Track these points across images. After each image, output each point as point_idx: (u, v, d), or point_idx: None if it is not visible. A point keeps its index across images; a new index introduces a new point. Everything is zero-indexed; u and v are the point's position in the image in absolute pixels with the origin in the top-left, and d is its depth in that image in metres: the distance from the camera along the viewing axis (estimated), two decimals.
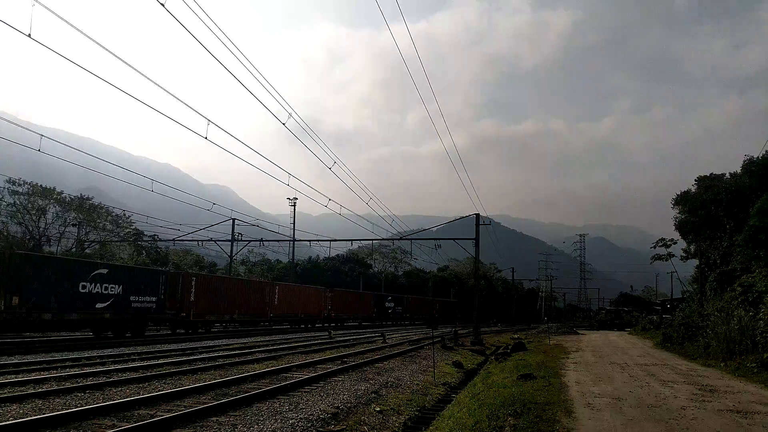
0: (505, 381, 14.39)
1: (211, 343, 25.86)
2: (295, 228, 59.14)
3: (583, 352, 24.98)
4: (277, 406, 10.56)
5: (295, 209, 59.63)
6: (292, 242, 59.82)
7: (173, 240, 50.83)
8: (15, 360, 16.32)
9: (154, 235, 57.43)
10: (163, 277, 29.85)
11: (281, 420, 9.38)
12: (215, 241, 50.38)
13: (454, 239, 39.30)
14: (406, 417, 11.58)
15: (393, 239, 53.10)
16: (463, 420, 9.97)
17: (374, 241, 64.33)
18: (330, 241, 49.80)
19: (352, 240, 48.63)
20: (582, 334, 50.92)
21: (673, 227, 45.11)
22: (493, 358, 24.33)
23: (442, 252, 53.34)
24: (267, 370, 15.17)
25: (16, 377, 12.77)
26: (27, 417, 8.38)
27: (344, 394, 12.42)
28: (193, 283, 31.92)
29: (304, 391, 12.40)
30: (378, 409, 11.63)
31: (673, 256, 49.93)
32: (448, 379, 17.67)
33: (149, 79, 16.02)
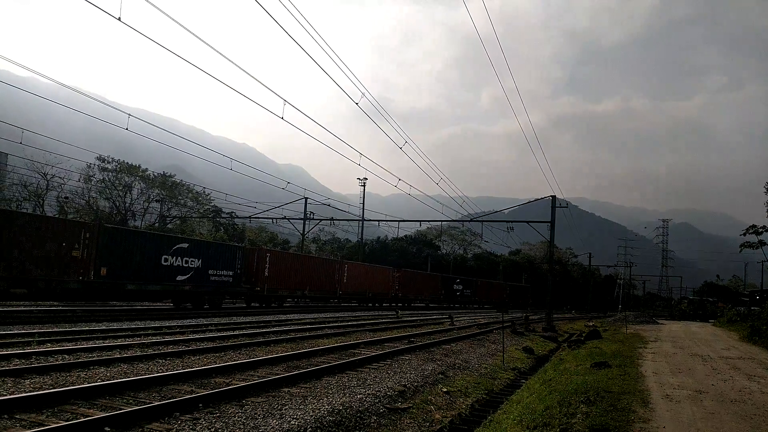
0: (578, 368, 13.92)
1: (283, 317, 26.63)
2: (365, 208, 59.75)
3: (662, 342, 23.82)
4: (346, 380, 10.69)
5: (364, 189, 60.18)
6: (361, 222, 60.49)
7: (249, 217, 52.59)
8: (103, 327, 17.44)
9: (232, 212, 59.65)
10: (240, 252, 30.91)
11: (349, 394, 9.48)
12: (288, 219, 51.67)
13: (527, 222, 38.25)
14: (474, 399, 11.44)
15: (463, 221, 52.53)
16: (532, 405, 9.72)
17: (443, 223, 63.95)
18: (399, 221, 49.91)
19: (420, 221, 48.50)
20: (662, 324, 48.63)
21: (766, 213, 41.86)
22: (565, 345, 23.67)
23: (515, 235, 52.09)
24: (336, 345, 15.41)
25: (104, 342, 13.63)
26: (114, 380, 8.89)
27: (411, 373, 12.42)
28: (267, 258, 32.90)
29: (372, 368, 12.50)
30: (445, 389, 11.55)
31: (765, 244, 46.51)
32: (517, 364, 17.33)
33: (229, 59, 16.40)
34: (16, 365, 9.63)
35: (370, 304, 47.09)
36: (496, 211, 49.63)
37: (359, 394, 9.64)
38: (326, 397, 9.13)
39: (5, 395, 7.34)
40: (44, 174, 47.25)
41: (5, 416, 6.43)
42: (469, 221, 49.57)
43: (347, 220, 54.69)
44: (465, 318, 37.16)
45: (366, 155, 26.36)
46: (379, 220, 54.36)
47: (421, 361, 14.49)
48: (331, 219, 52.07)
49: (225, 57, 16.03)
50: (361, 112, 20.10)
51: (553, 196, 36.91)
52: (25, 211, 41.74)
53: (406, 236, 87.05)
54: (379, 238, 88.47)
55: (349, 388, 10.05)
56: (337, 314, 31.94)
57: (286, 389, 9.34)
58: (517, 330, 28.18)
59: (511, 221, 44.67)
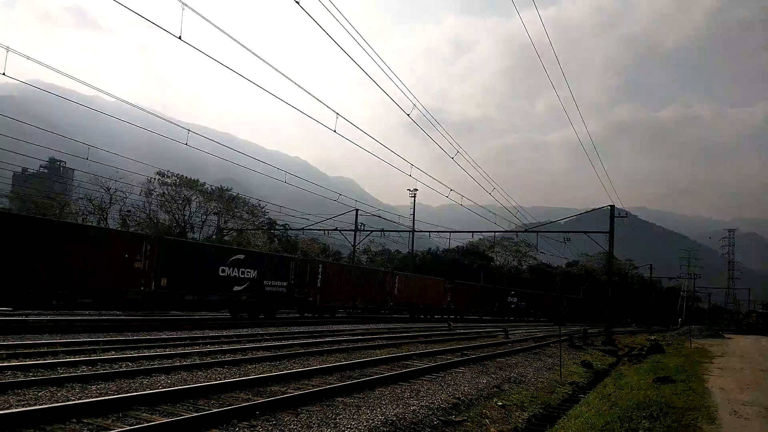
0: (640, 383, 13.39)
1: (335, 327, 26.81)
2: (415, 219, 59.62)
3: (729, 357, 22.63)
4: (399, 392, 10.63)
5: (415, 200, 60.12)
6: (411, 233, 60.39)
7: (302, 229, 53.43)
8: (163, 335, 18.01)
9: (285, 224, 60.77)
10: (293, 263, 31.40)
11: (403, 406, 9.41)
12: (340, 230, 52.18)
13: (585, 232, 37.21)
14: (530, 413, 11.15)
15: (517, 231, 51.60)
16: (592, 420, 9.39)
17: (497, 234, 62.96)
18: (450, 232, 49.55)
19: (473, 232, 47.93)
20: (728, 339, 46.23)
21: None
22: (626, 359, 22.82)
23: (572, 246, 50.76)
24: (388, 356, 15.37)
25: (164, 351, 14.06)
26: (174, 387, 9.15)
27: (465, 386, 12.23)
28: (319, 269, 33.28)
29: (425, 380, 12.38)
30: (500, 403, 11.31)
31: None
32: (575, 378, 16.81)
33: (284, 74, 16.76)
34: (83, 372, 10.04)
35: (422, 316, 46.80)
36: (552, 222, 48.55)
37: (413, 405, 9.56)
38: (380, 407, 9.09)
39: (74, 400, 7.66)
40: (108, 188, 49.51)
41: (74, 420, 6.70)
42: (523, 232, 48.65)
43: (397, 231, 54.74)
44: (520, 331, 36.40)
45: (417, 166, 26.36)
46: (429, 231, 54.19)
47: (475, 374, 14.25)
48: (382, 230, 52.26)
49: (280, 72, 16.42)
50: (411, 124, 20.15)
51: (612, 206, 35.80)
52: (90, 224, 43.79)
53: (457, 247, 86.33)
54: (430, 249, 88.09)
55: (402, 399, 9.98)
56: (389, 325, 31.89)
57: (340, 399, 9.36)
58: (575, 344, 27.37)
59: (568, 232, 43.57)
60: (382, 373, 12.22)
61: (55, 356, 11.80)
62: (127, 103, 24.73)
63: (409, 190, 60.34)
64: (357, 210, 51.45)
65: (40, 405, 7.20)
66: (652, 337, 37.79)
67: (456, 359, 16.18)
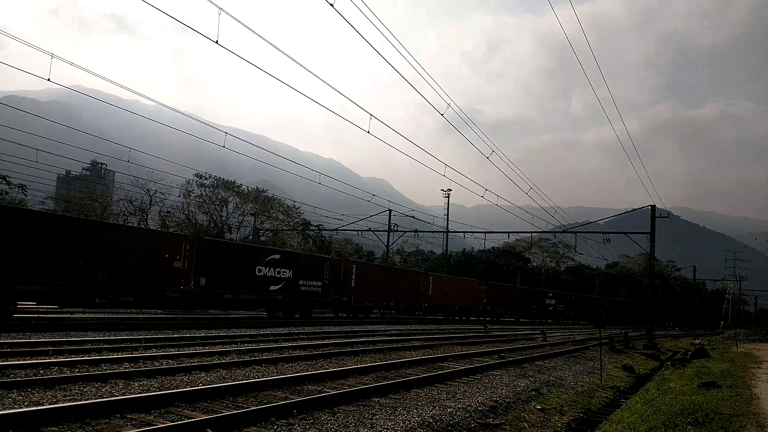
0: (684, 388, 12.97)
1: (369, 327, 26.84)
2: (449, 219, 59.27)
3: None
4: (435, 393, 10.54)
5: (449, 200, 59.75)
6: (445, 233, 60.06)
7: (336, 229, 53.76)
8: (202, 333, 18.32)
9: (320, 224, 61.23)
10: (327, 263, 31.59)
11: (439, 407, 9.32)
12: (373, 231, 52.26)
13: (625, 233, 36.34)
14: (570, 418, 10.91)
15: (555, 232, 50.81)
16: (634, 425, 9.13)
17: (534, 234, 62.10)
18: (485, 233, 49.08)
19: (509, 232, 47.36)
20: None
21: None
22: (669, 363, 22.19)
23: (611, 247, 49.64)
24: (423, 357, 15.28)
25: (203, 348, 14.30)
26: (213, 384, 9.27)
27: (503, 389, 12.05)
28: (353, 270, 33.39)
29: (461, 382, 12.25)
30: (539, 407, 11.10)
31: None
32: (616, 382, 16.40)
33: (318, 77, 16.87)
34: (126, 368, 10.27)
35: (457, 318, 46.48)
36: (591, 222, 47.63)
37: (449, 407, 9.46)
38: (416, 409, 9.02)
39: (118, 396, 7.84)
40: (148, 190, 50.76)
41: (117, 415, 6.84)
42: (561, 232, 47.84)
43: (431, 231, 54.53)
44: (558, 334, 35.79)
45: (451, 166, 26.18)
46: (464, 232, 53.81)
47: (512, 376, 14.04)
48: (415, 231, 52.12)
49: (314, 74, 16.52)
50: (445, 124, 20.05)
51: (653, 206, 34.89)
52: (131, 224, 44.95)
53: (493, 248, 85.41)
54: (464, 250, 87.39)
55: (438, 401, 9.89)
56: (423, 327, 31.77)
57: (376, 399, 9.33)
58: (616, 347, 26.75)
59: (608, 232, 42.60)
60: (418, 375, 12.14)
61: (99, 353, 12.11)
62: (166, 106, 25.33)
63: (443, 190, 60.02)
64: (390, 210, 51.47)
65: (85, 400, 7.39)
66: (696, 341, 36.70)
67: (493, 362, 15.99)
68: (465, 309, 46.58)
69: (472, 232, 50.75)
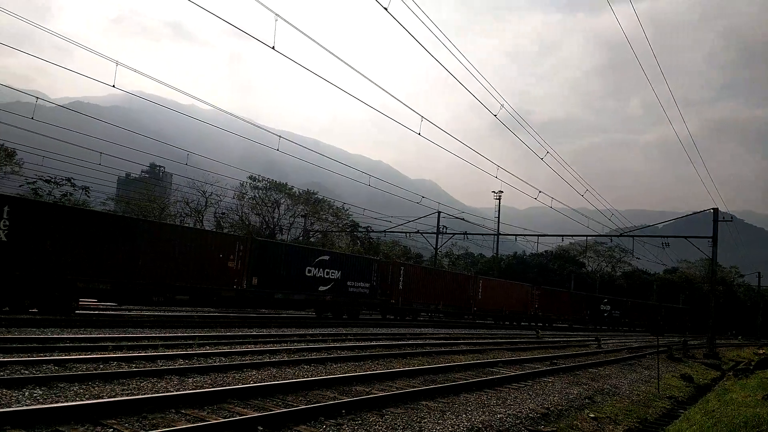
0: (747, 400, 12.30)
1: (417, 330, 26.74)
2: (500, 221, 58.41)
3: None
4: (485, 398, 10.37)
5: (500, 202, 58.90)
6: (496, 236, 59.24)
7: (384, 231, 53.87)
8: (254, 332, 18.68)
9: (368, 226, 61.50)
10: (375, 265, 31.67)
11: (489, 413, 9.16)
12: (421, 233, 52.07)
13: (685, 237, 34.93)
14: (625, 427, 10.52)
15: (611, 236, 49.28)
16: None
17: (589, 238, 60.36)
18: (538, 235, 48.13)
19: (563, 235, 46.31)
20: None
21: None
22: (731, 374, 21.13)
23: (670, 252, 47.77)
24: (473, 362, 15.09)
25: (255, 347, 14.56)
26: (264, 382, 9.42)
27: (554, 396, 11.75)
28: (401, 272, 33.37)
29: (512, 388, 12.02)
30: (592, 415, 10.76)
31: None
32: (674, 392, 15.74)
33: (369, 79, 16.94)
34: (181, 365, 10.57)
35: (507, 323, 45.75)
36: (649, 225, 46.00)
37: (499, 413, 9.28)
38: (465, 413, 8.90)
39: (173, 392, 8.06)
40: (203, 192, 52.27)
41: (172, 410, 7.03)
42: (618, 236, 46.33)
43: (481, 234, 53.88)
44: (613, 341, 34.71)
45: (502, 167, 25.80)
46: (516, 235, 52.85)
47: (565, 384, 13.68)
48: (465, 233, 51.63)
49: (365, 76, 16.60)
50: (495, 125, 19.88)
51: (715, 209, 33.38)
52: (187, 225, 46.35)
53: (546, 252, 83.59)
54: (515, 253, 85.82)
55: (488, 406, 9.73)
56: (472, 331, 31.43)
57: (424, 402, 9.26)
58: (674, 356, 25.70)
59: (667, 236, 41.04)
60: (467, 379, 11.99)
61: (155, 349, 12.51)
62: (222, 110, 25.95)
63: (494, 191, 59.25)
64: (439, 212, 51.15)
65: (142, 395, 7.63)
66: (761, 351, 34.81)
67: (545, 368, 15.63)
68: (515, 314, 45.77)
69: (524, 235, 49.79)
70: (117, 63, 18.92)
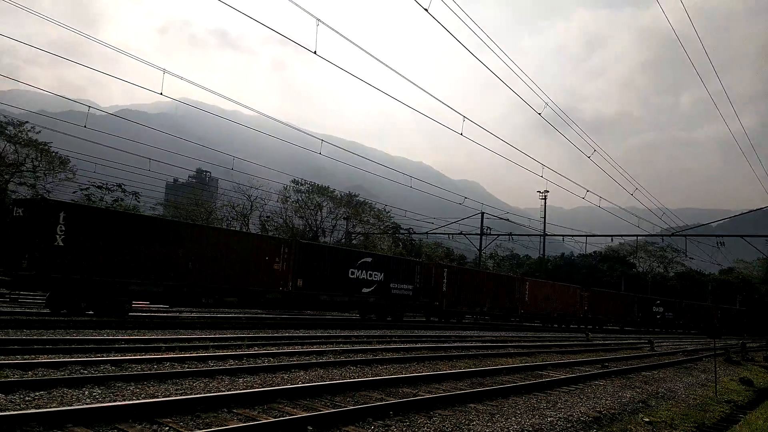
0: None
1: (462, 333, 26.50)
2: (546, 222, 57.36)
3: None
4: (534, 402, 10.18)
5: (546, 202, 57.84)
6: (542, 237, 58.20)
7: (426, 233, 53.64)
8: (300, 333, 18.89)
9: (410, 228, 61.41)
10: (418, 267, 31.57)
11: (539, 416, 8.98)
12: (465, 234, 51.63)
13: (742, 236, 33.52)
14: None
15: (663, 235, 47.69)
16: None
17: (639, 238, 58.57)
18: (586, 236, 47.02)
19: (612, 236, 45.10)
20: None
21: None
22: None
23: (726, 251, 45.82)
24: (520, 365, 14.85)
25: (302, 348, 14.72)
26: (312, 383, 9.49)
27: (606, 399, 11.43)
28: (445, 274, 33.15)
29: (562, 391, 11.76)
30: (647, 419, 10.41)
31: None
32: (733, 396, 15.08)
33: (410, 81, 16.91)
34: (231, 365, 10.76)
35: (555, 326, 44.88)
36: (703, 224, 44.38)
37: (549, 417, 9.09)
38: (514, 416, 8.75)
39: (224, 392, 8.21)
40: (249, 196, 53.28)
41: (224, 410, 7.16)
42: (670, 236, 44.76)
43: (527, 235, 53.05)
44: (667, 343, 33.59)
45: (548, 166, 25.33)
46: (563, 235, 51.76)
47: (617, 387, 13.30)
48: (510, 234, 50.94)
49: (406, 78, 16.58)
50: (541, 124, 19.46)
51: None
52: (233, 228, 47.33)
53: (594, 252, 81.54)
54: (563, 254, 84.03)
55: (538, 409, 9.54)
56: (519, 334, 30.94)
57: (472, 405, 9.15)
58: (732, 359, 24.68)
59: (722, 235, 39.48)
60: (516, 382, 11.80)
61: (206, 350, 12.79)
62: (265, 115, 26.38)
63: (540, 191, 58.18)
64: (482, 213, 50.65)
65: (195, 394, 7.81)
66: None
67: (596, 371, 15.25)
68: (564, 316, 44.85)
69: (572, 236, 48.72)
70: (164, 71, 19.47)
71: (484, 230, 51.90)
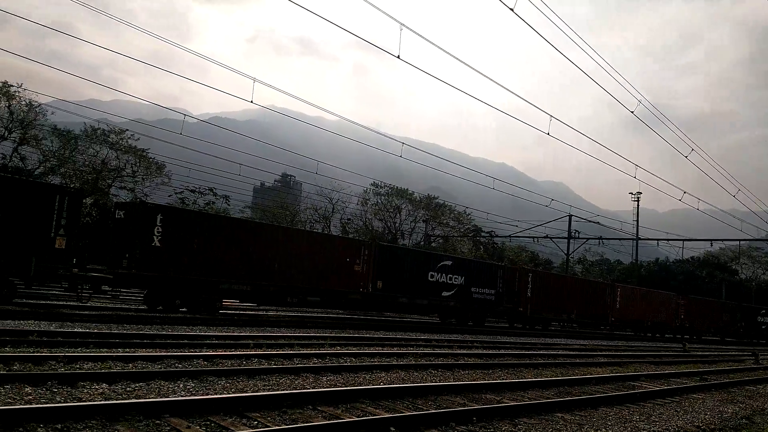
0: None
1: (548, 340, 25.70)
2: (639, 225, 54.45)
3: None
4: (626, 413, 9.66)
5: (638, 204, 54.95)
6: (635, 241, 55.31)
7: (509, 236, 52.50)
8: (380, 335, 19.02)
9: (491, 231, 60.32)
10: (501, 271, 30.94)
11: (631, 428, 8.51)
12: (551, 237, 50.06)
13: None
14: None
15: None
16: None
17: (742, 242, 54.40)
18: (683, 240, 44.23)
19: (711, 240, 42.14)
20: None
21: None
22: None
23: None
24: (611, 375, 14.19)
25: (381, 349, 14.79)
26: (394, 384, 9.50)
27: (705, 414, 10.66)
28: (529, 278, 32.28)
29: (656, 404, 11.09)
30: None
31: None
32: None
33: (494, 81, 16.61)
34: (315, 364, 10.99)
35: (648, 335, 42.59)
36: None
37: (642, 429, 8.58)
38: (604, 428, 8.33)
39: (309, 389, 8.37)
40: (330, 199, 54.43)
41: (310, 407, 7.29)
42: None
43: (618, 239, 50.65)
44: None
45: (641, 166, 24.07)
46: (657, 239, 48.98)
47: (717, 401, 12.38)
48: (599, 238, 48.85)
49: (491, 79, 16.29)
50: (633, 122, 18.53)
51: None
52: (316, 231, 48.52)
53: (692, 258, 76.49)
54: (657, 259, 79.44)
55: (630, 421, 9.03)
56: (610, 342, 29.64)
57: (559, 414, 8.81)
58: None
59: None
60: (606, 392, 11.28)
61: (291, 348, 13.14)
62: (347, 120, 26.83)
63: (632, 193, 55.38)
64: (570, 216, 48.90)
65: (282, 390, 8.02)
66: None
67: (693, 384, 14.29)
68: (658, 325, 42.45)
69: (667, 240, 45.97)
70: (254, 80, 20.24)
71: (572, 233, 50.04)
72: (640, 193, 55.42)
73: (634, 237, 53.94)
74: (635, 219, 54.69)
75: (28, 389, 6.74)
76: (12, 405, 5.94)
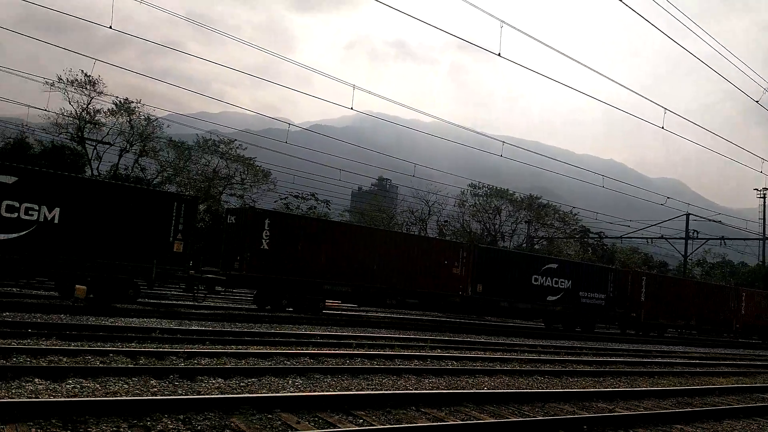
0: None
1: (665, 348, 24.10)
2: (766, 224, 49.64)
3: None
4: (755, 427, 8.81)
5: (765, 201, 50.13)
6: (762, 241, 50.48)
7: (620, 237, 49.78)
8: (482, 339, 18.71)
9: (600, 231, 57.45)
10: (611, 274, 29.43)
11: None
12: (666, 238, 46.85)
13: None
14: None
15: None
16: None
17: None
18: None
19: None
20: None
21: None
22: None
23: None
24: (737, 386, 13.03)
25: (484, 354, 14.54)
26: (498, 389, 9.29)
27: None
28: (643, 282, 30.42)
29: None
30: None
31: None
32: None
33: (602, 74, 15.83)
34: (416, 365, 11.00)
35: None
36: None
37: None
38: None
39: (411, 390, 8.38)
40: (427, 201, 54.39)
41: (413, 408, 7.29)
42: None
43: (743, 239, 46.45)
44: None
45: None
46: None
47: None
48: (721, 238, 45.06)
49: (600, 74, 15.55)
50: (754, 112, 16.94)
51: None
52: (413, 233, 48.70)
53: None
54: None
55: None
56: (734, 351, 27.26)
57: (678, 426, 8.19)
58: None
59: None
60: (731, 404, 10.36)
61: (392, 349, 13.24)
62: (444, 121, 26.72)
63: (757, 189, 50.66)
64: (688, 214, 45.47)
65: (385, 390, 8.11)
66: None
67: None
68: None
69: None
70: (354, 87, 20.69)
71: (690, 234, 46.47)
72: (767, 189, 50.53)
73: (761, 236, 49.20)
74: (761, 218, 49.85)
75: (153, 382, 7.30)
76: (139, 396, 6.46)
